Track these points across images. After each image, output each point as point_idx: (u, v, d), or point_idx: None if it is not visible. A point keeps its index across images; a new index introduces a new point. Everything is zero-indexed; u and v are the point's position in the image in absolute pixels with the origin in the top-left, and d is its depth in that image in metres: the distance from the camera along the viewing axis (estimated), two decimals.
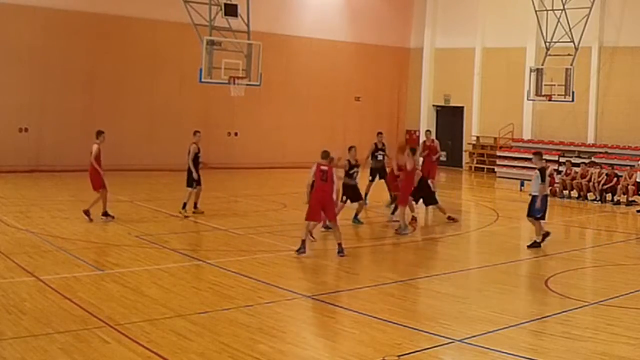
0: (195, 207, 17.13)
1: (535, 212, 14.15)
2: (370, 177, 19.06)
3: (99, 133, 15.77)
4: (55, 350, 7.58)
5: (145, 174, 24.99)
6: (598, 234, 18.12)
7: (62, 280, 10.57)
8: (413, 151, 16.24)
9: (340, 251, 12.93)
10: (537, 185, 14.10)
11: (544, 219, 14.34)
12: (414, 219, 16.66)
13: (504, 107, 30.86)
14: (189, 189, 16.89)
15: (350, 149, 16.26)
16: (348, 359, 7.68)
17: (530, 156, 26.32)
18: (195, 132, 17.22)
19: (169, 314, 9.02)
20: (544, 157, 25.43)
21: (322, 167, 13.03)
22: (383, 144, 19.08)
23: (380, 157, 18.52)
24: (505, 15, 30.54)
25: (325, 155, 13.25)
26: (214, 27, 21.67)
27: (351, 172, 16.30)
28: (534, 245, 14.14)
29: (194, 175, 16.79)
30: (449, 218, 17.29)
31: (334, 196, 13.16)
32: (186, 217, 16.62)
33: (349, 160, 16.19)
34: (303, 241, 12.84)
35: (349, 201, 16.24)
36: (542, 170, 14.18)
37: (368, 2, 32.70)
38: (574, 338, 8.49)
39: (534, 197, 14.18)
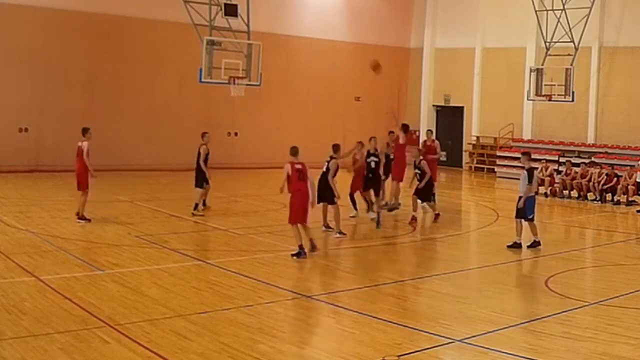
0: (204, 204, 17.34)
1: (526, 212, 14.00)
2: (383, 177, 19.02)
3: (86, 130, 15.52)
4: (55, 350, 7.58)
5: (145, 174, 24.99)
6: (598, 234, 18.11)
7: (62, 280, 10.57)
8: (405, 128, 16.47)
9: (313, 247, 12.80)
10: (524, 186, 13.98)
11: (532, 220, 14.16)
12: (414, 218, 16.67)
13: (504, 107, 30.85)
14: (199, 189, 17.03)
15: (371, 139, 17.08)
16: (348, 359, 7.68)
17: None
18: (203, 134, 17.36)
19: (169, 314, 9.03)
20: (544, 157, 25.76)
21: (297, 166, 12.71)
22: (376, 150, 19.03)
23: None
24: (505, 15, 30.54)
25: (295, 152, 12.93)
26: (214, 27, 21.67)
27: (368, 160, 16.69)
28: (534, 244, 14.10)
29: (207, 175, 17.00)
30: (436, 215, 17.44)
31: (310, 194, 12.91)
32: (201, 215, 16.84)
33: (368, 150, 16.80)
34: (300, 246, 12.65)
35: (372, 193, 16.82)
36: (530, 171, 14.01)
37: (368, 2, 32.70)
38: (574, 338, 8.49)
39: (520, 198, 14.09)
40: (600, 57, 28.00)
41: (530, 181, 13.92)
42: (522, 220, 14.07)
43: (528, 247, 14.09)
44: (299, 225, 12.70)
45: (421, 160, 17.17)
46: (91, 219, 15.38)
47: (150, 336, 8.12)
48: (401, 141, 16.70)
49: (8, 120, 23.74)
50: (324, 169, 15.02)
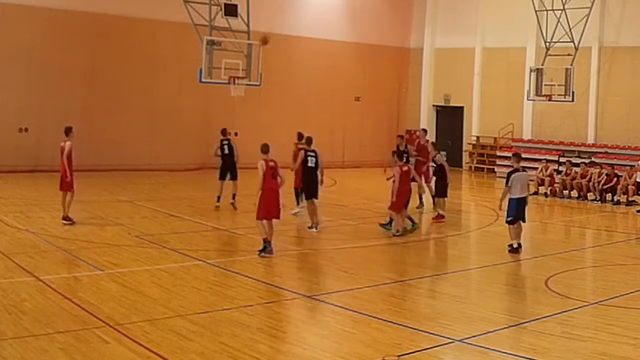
0: (218, 199, 18.20)
1: (507, 215, 13.71)
2: None
3: (69, 130, 15.04)
4: (55, 350, 7.58)
5: (145, 174, 24.99)
6: (598, 234, 18.12)
7: (62, 280, 10.58)
8: (400, 155, 15.68)
9: (264, 250, 12.57)
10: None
11: (512, 223, 13.65)
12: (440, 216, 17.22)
13: (504, 107, 30.85)
14: (234, 181, 18.34)
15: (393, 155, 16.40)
16: (348, 359, 7.68)
17: (530, 156, 26.65)
18: (227, 131, 18.86)
19: (169, 314, 9.03)
20: (545, 157, 25.74)
21: (271, 163, 12.65)
22: (406, 147, 18.97)
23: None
24: (505, 15, 30.53)
25: (267, 149, 12.83)
26: (214, 27, 21.66)
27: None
28: (512, 249, 13.69)
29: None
30: (440, 216, 17.46)
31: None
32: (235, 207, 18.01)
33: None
34: (265, 239, 12.57)
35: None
36: (509, 173, 13.59)
37: (368, 2, 32.69)
38: (574, 338, 8.49)
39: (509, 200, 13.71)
40: (600, 57, 28.00)
41: (506, 183, 13.59)
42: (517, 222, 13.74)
43: (509, 251, 13.68)
44: (264, 221, 12.63)
45: (437, 154, 17.44)
46: (75, 222, 15.01)
47: (150, 336, 8.12)
48: (396, 177, 15.24)
49: (8, 120, 23.73)
50: (311, 164, 15.17)
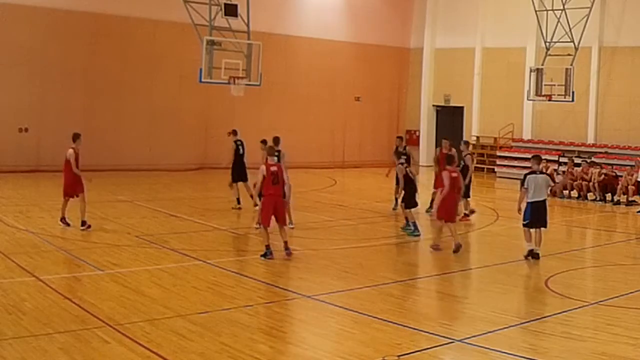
0: (238, 201, 18.06)
1: (523, 218, 13.35)
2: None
3: (76, 136, 14.80)
4: (55, 350, 7.58)
5: (145, 174, 24.99)
6: (598, 234, 18.12)
7: (62, 280, 10.58)
8: (449, 160, 14.41)
9: (287, 249, 12.52)
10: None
11: (528, 227, 13.19)
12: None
13: (504, 107, 30.86)
14: (245, 182, 18.04)
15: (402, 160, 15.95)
16: (348, 359, 7.68)
17: (530, 156, 26.53)
18: (236, 132, 18.60)
19: (169, 314, 9.03)
20: (545, 157, 25.62)
21: (272, 168, 12.28)
22: (405, 148, 18.89)
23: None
24: (505, 15, 30.54)
25: (272, 151, 12.54)
26: (214, 27, 21.66)
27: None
28: (533, 255, 13.32)
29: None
30: (469, 212, 17.70)
31: (287, 194, 12.65)
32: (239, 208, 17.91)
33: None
34: (267, 246, 12.46)
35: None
36: (525, 175, 13.30)
37: (368, 2, 32.70)
38: (574, 338, 8.49)
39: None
40: (600, 57, 28.01)
41: (521, 185, 13.32)
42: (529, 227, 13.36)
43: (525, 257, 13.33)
44: (279, 226, 12.47)
45: (468, 154, 17.34)
46: (70, 224, 14.84)
47: (150, 336, 8.12)
48: (446, 184, 13.92)
49: (8, 120, 23.74)
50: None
